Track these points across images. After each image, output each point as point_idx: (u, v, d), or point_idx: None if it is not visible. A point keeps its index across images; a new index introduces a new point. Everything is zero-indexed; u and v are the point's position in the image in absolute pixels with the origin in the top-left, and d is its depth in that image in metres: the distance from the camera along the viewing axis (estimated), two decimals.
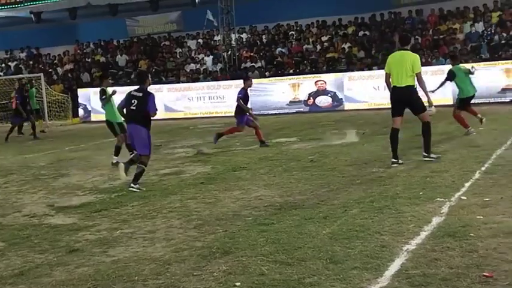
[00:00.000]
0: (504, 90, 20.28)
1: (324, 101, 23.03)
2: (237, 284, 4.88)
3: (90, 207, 8.38)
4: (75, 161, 13.49)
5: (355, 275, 4.87)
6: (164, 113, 24.96)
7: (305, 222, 6.65)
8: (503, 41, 22.64)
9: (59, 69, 31.36)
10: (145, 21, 32.05)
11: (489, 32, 23.44)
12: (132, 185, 9.42)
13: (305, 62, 25.53)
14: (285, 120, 20.43)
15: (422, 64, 21.95)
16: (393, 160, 10.00)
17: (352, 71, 23.37)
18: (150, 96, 9.81)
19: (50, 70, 31.21)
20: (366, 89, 21.24)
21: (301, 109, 23.22)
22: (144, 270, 5.42)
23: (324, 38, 26.80)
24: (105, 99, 12.67)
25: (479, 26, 23.89)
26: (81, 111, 26.63)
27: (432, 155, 10.05)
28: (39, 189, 10.23)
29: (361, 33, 26.42)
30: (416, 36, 24.63)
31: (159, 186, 9.61)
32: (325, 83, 22.96)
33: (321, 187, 8.60)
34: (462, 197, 7.30)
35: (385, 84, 10.67)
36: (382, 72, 11.10)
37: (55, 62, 32.33)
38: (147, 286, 5.01)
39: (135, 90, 9.98)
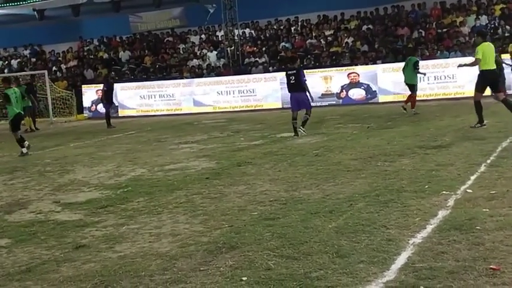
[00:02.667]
0: None
1: (357, 93, 22.62)
2: (244, 278, 4.89)
3: (96, 204, 8.39)
4: (81, 158, 13.50)
5: (362, 269, 4.87)
6: (194, 108, 24.97)
7: (311, 217, 6.65)
8: (507, 34, 22.54)
9: (63, 66, 31.39)
10: (148, 17, 32.04)
11: (493, 25, 23.36)
12: (301, 127, 14.01)
13: (309, 56, 25.49)
14: (288, 115, 20.37)
15: (426, 58, 22.11)
16: None
17: (356, 65, 23.27)
18: (301, 71, 14.33)
19: (53, 67, 31.22)
20: (400, 81, 19.83)
21: (334, 102, 22.81)
22: (150, 265, 5.43)
23: (327, 33, 26.76)
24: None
25: (483, 19, 23.82)
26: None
27: None
28: (44, 185, 10.25)
29: (364, 27, 26.36)
30: (420, 30, 24.60)
31: (165, 182, 9.61)
32: (358, 75, 22.56)
33: (326, 181, 8.60)
34: (468, 190, 7.29)
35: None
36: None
37: (59, 58, 32.36)
38: (154, 281, 5.02)
39: (289, 70, 14.49)
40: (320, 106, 22.27)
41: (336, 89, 22.92)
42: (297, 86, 14.18)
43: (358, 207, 6.93)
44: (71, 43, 32.47)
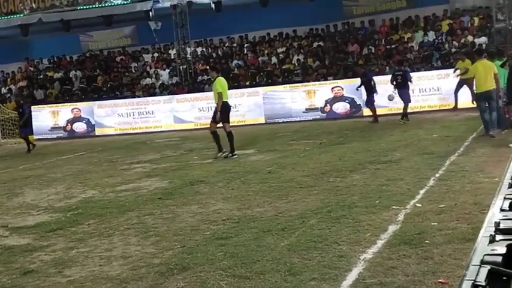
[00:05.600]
0: None
1: (341, 107, 22.38)
2: None
3: (45, 227, 8.21)
4: (30, 180, 13.22)
5: (313, 286, 4.88)
6: (174, 125, 24.34)
7: (263, 235, 6.64)
8: (453, 49, 23.10)
9: (12, 87, 30.79)
10: (100, 36, 31.74)
11: (440, 41, 23.91)
12: (401, 120, 18.21)
13: (261, 74, 25.62)
14: (241, 132, 20.39)
15: (377, 73, 22.39)
16: None
17: (308, 81, 23.42)
18: (407, 73, 18.86)
19: (2, 88, 30.61)
20: (385, 94, 20.26)
21: (318, 116, 22.41)
22: None
23: (279, 50, 26.95)
24: None
25: (431, 35, 24.37)
26: (83, 126, 25.66)
27: None
28: None
29: (315, 44, 26.66)
30: (370, 46, 25.01)
31: (116, 203, 9.47)
32: (342, 89, 22.31)
33: (278, 199, 8.61)
34: (417, 204, 7.39)
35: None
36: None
37: (8, 79, 31.74)
38: None
39: (397, 71, 18.96)
40: (304, 121, 22.16)
41: (320, 103, 22.61)
42: (401, 84, 18.46)
43: (310, 224, 6.95)
44: (20, 63, 31.91)
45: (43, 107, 26.90)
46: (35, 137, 25.46)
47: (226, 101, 14.02)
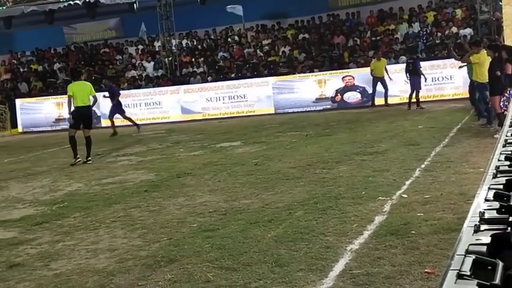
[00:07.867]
0: None
1: (352, 97, 22.18)
2: None
3: (30, 220, 8.17)
4: (15, 173, 13.13)
5: (301, 277, 4.89)
6: (181, 115, 24.23)
7: (250, 227, 6.65)
8: (437, 41, 23.20)
9: None
10: (84, 28, 31.53)
11: (425, 32, 24.00)
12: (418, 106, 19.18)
13: (247, 66, 25.59)
14: (228, 125, 20.41)
15: (361, 65, 22.41)
16: None
17: (294, 74, 23.44)
18: (417, 61, 19.75)
19: None
20: (397, 83, 20.71)
21: (329, 106, 22.23)
22: (87, 282, 5.32)
23: (264, 42, 26.92)
24: None
25: (416, 26, 24.44)
26: None
27: None
28: None
29: (300, 36, 26.66)
30: (355, 38, 25.04)
31: (102, 196, 9.44)
32: (354, 78, 22.11)
33: (265, 190, 8.62)
34: (403, 195, 7.43)
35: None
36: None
37: None
38: None
39: (409, 59, 20.06)
40: (314, 111, 22.02)
41: (330, 92, 22.42)
42: (413, 71, 19.42)
43: (297, 215, 6.96)
44: (3, 56, 31.62)
45: (47, 99, 26.68)
46: (38, 129, 25.67)
47: (78, 106, 13.76)
